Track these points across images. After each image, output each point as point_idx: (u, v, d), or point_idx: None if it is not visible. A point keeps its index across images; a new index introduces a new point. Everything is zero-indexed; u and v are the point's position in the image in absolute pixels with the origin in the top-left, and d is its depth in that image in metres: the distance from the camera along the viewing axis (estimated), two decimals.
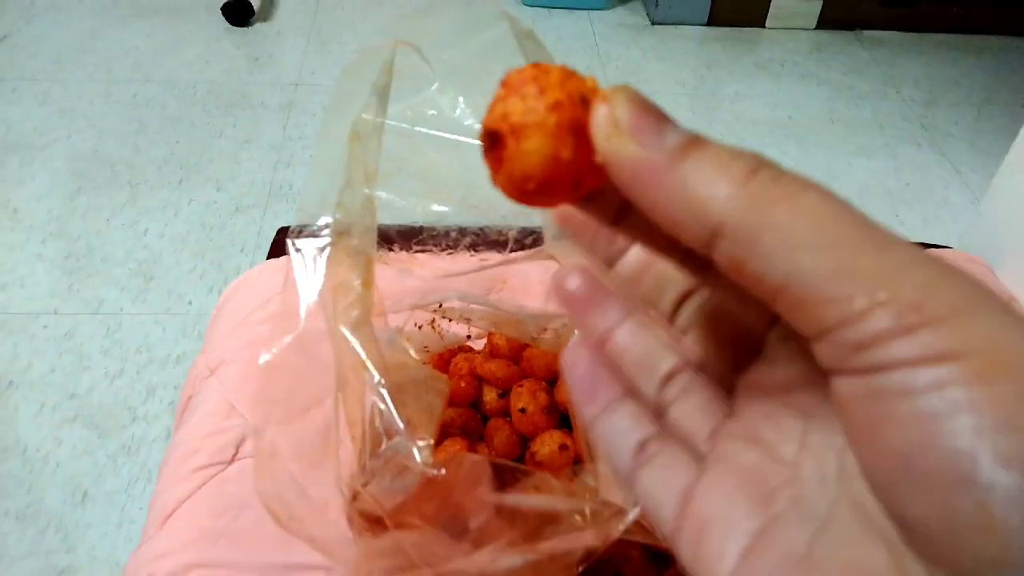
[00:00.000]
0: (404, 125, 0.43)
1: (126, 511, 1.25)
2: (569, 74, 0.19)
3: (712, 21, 2.52)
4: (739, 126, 2.14)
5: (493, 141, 0.19)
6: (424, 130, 0.43)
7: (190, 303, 1.58)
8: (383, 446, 0.35)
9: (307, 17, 2.45)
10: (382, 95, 0.42)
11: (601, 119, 0.18)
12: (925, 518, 0.15)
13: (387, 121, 0.42)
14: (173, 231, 1.72)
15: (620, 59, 2.37)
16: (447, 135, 0.42)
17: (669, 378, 0.23)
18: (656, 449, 0.22)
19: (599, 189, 0.20)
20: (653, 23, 2.52)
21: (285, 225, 1.05)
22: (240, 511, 0.64)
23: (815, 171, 2.01)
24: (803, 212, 0.16)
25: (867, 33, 2.55)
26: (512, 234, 0.44)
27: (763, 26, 2.54)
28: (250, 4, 2.35)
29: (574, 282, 0.23)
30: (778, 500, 0.19)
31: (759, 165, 0.17)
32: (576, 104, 0.18)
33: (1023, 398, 0.14)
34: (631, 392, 0.23)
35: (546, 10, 2.55)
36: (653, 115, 0.18)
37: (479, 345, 0.60)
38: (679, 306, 0.24)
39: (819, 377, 0.18)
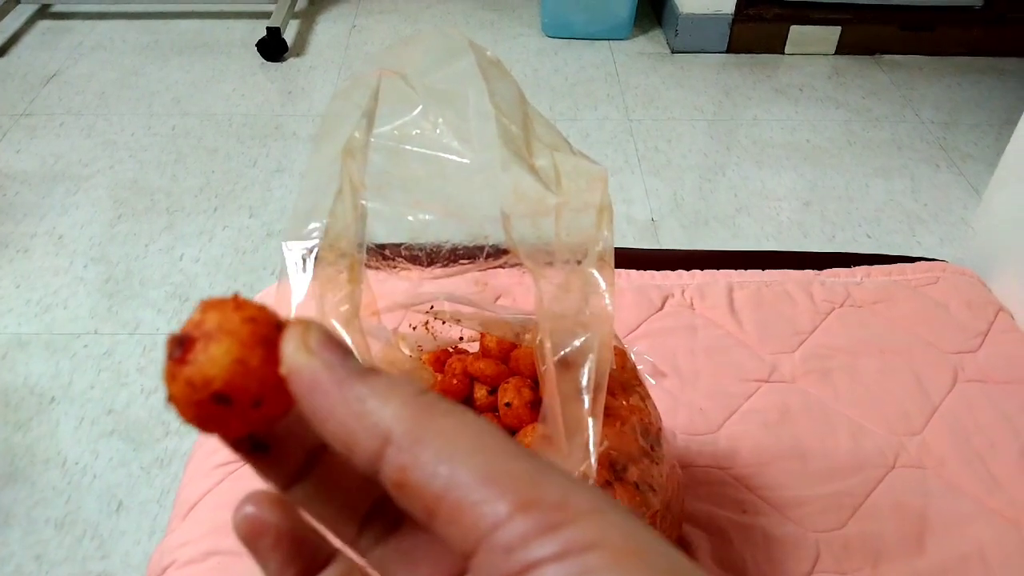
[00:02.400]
0: (391, 143, 0.48)
1: (158, 520, 1.31)
2: (266, 307, 0.20)
3: (731, 48, 2.57)
4: (756, 149, 2.18)
5: (181, 345, 0.19)
6: (408, 147, 0.48)
7: None
8: None
9: (338, 52, 2.55)
10: (370, 116, 0.47)
11: (292, 334, 0.19)
12: None
13: (379, 140, 0.48)
14: (208, 255, 1.80)
15: (640, 87, 2.42)
16: (428, 151, 0.48)
17: None
18: None
19: (274, 436, 0.20)
20: (673, 52, 2.58)
21: None
22: None
23: (833, 192, 2.04)
24: (464, 425, 0.18)
25: (886, 57, 2.58)
26: (488, 242, 0.49)
27: (782, 52, 2.58)
28: (284, 40, 2.46)
29: (246, 510, 0.22)
30: None
31: (426, 390, 0.19)
32: (271, 325, 0.19)
33: None
34: None
35: (567, 40, 2.62)
36: (340, 345, 0.19)
37: (474, 348, 0.65)
38: None
39: None
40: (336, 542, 0.22)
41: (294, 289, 0.41)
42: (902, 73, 2.51)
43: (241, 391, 0.18)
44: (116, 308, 1.67)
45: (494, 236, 0.51)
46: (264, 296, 0.91)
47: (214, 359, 0.18)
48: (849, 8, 2.52)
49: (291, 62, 2.49)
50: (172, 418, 1.47)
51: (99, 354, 1.58)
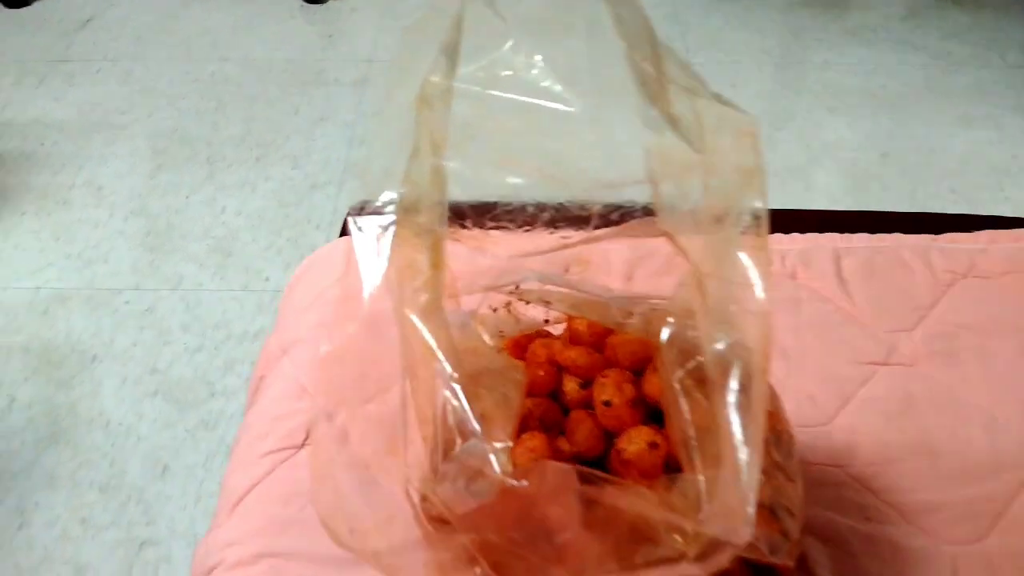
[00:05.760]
0: (475, 88, 0.39)
1: (204, 485, 1.27)
2: None
3: None
4: (828, 96, 2.03)
5: None
6: (498, 93, 0.39)
7: (267, 279, 1.59)
8: (457, 448, 0.31)
9: None
10: (451, 55, 0.38)
11: None
12: None
13: (461, 84, 0.38)
14: (250, 208, 1.73)
15: (701, 27, 2.27)
16: (523, 98, 0.38)
17: None
18: None
19: None
20: None
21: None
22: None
23: (912, 143, 1.90)
24: None
25: None
26: (596, 209, 0.39)
27: None
28: None
29: None
30: None
31: None
32: None
33: None
34: None
35: None
36: None
37: (558, 330, 0.56)
38: None
39: None
40: None
41: (366, 278, 0.32)
42: (986, 13, 2.32)
43: None
44: (157, 263, 1.62)
45: (601, 202, 0.41)
46: (318, 255, 0.83)
47: None
48: None
49: (332, 4, 2.38)
50: (217, 379, 1.42)
51: (141, 310, 1.53)
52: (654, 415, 0.50)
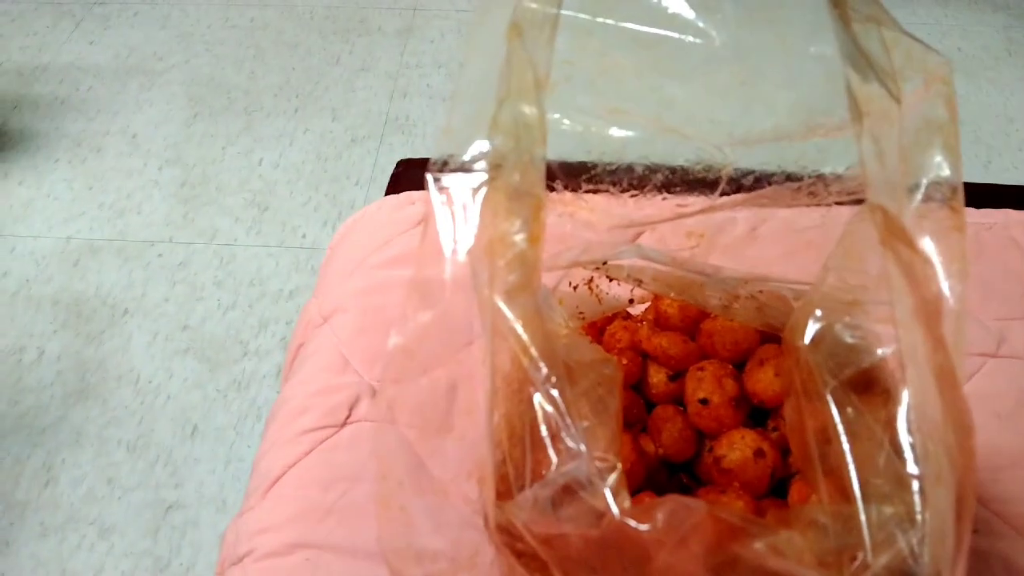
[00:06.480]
0: (580, 16, 0.31)
1: (234, 449, 1.22)
2: None
3: None
4: None
5: None
6: (608, 22, 0.31)
7: (304, 236, 1.53)
8: (552, 467, 0.25)
9: None
10: None
11: None
12: None
13: (563, 12, 0.31)
14: (287, 161, 1.67)
15: None
16: (642, 28, 0.30)
17: None
18: None
19: None
20: None
21: (404, 158, 0.95)
22: (352, 484, 0.56)
23: (989, 110, 1.78)
24: None
25: None
26: (726, 172, 0.31)
27: None
28: None
29: None
30: None
31: None
32: None
33: None
34: None
35: None
36: None
37: (638, 310, 0.49)
38: None
39: None
40: None
41: (447, 254, 0.25)
42: None
43: None
44: (192, 215, 1.57)
45: (733, 164, 0.34)
46: (363, 215, 0.76)
47: None
48: None
49: None
50: (250, 338, 1.37)
51: (174, 264, 1.48)
52: (755, 416, 0.43)
